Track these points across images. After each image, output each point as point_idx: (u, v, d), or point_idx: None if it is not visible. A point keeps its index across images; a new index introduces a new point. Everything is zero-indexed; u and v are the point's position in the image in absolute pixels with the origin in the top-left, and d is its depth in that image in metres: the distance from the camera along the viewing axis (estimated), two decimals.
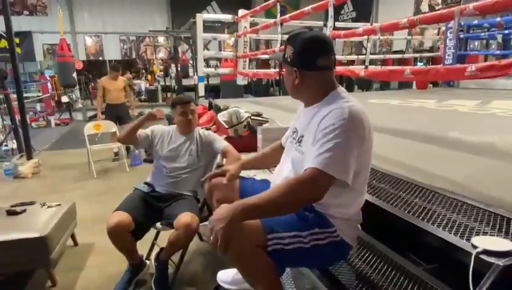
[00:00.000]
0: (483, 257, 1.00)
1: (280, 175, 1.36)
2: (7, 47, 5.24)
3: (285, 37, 6.27)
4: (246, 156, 2.44)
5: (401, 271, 1.32)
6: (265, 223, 1.11)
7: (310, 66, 1.23)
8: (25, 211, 2.37)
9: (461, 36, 6.54)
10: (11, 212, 2.33)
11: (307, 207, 1.20)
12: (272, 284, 1.18)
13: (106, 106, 5.35)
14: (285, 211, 1.14)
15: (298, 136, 1.30)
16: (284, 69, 1.35)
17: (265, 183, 1.54)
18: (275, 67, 10.88)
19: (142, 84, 14.22)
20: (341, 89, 1.27)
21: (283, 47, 1.31)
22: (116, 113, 5.30)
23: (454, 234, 1.17)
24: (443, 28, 6.90)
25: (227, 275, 1.59)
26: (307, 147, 1.22)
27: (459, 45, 6.47)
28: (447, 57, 6.18)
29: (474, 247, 1.04)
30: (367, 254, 1.46)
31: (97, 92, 5.40)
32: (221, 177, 1.56)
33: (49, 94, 10.85)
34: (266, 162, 1.69)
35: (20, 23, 11.96)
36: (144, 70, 16.58)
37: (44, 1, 13.20)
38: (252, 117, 2.98)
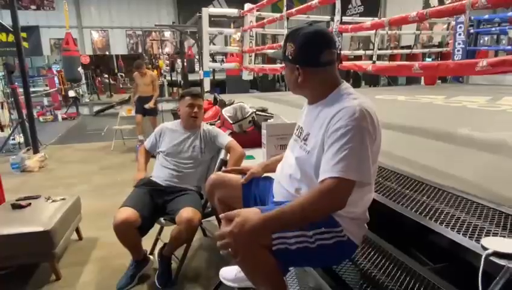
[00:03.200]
0: (493, 258, 0.96)
1: (283, 173, 1.33)
2: (14, 41, 5.26)
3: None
4: (250, 152, 2.42)
5: (407, 271, 1.29)
6: None
7: (313, 63, 1.19)
8: (29, 204, 2.38)
9: (471, 31, 6.41)
10: (16, 206, 2.34)
11: None
12: (276, 284, 1.16)
13: (137, 98, 5.85)
14: (309, 223, 1.12)
15: (303, 134, 1.26)
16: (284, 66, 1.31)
17: (268, 181, 1.51)
18: (280, 63, 10.82)
19: None
20: (346, 85, 1.24)
21: (283, 44, 1.26)
22: (143, 104, 5.75)
23: (463, 234, 1.13)
24: (453, 23, 6.77)
25: (230, 272, 1.57)
26: (312, 145, 1.19)
27: (469, 40, 6.34)
28: (456, 52, 6.08)
29: (484, 248, 1.00)
30: (372, 253, 1.43)
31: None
32: (233, 175, 1.55)
33: (56, 89, 10.92)
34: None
35: (27, 17, 12.02)
36: (150, 65, 16.61)
37: None
38: (256, 112, 2.95)
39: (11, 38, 7.98)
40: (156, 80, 5.91)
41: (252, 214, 1.06)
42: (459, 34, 6.05)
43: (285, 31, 4.52)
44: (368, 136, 1.09)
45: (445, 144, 2.27)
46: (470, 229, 1.16)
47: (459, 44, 6.08)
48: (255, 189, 1.50)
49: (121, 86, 14.69)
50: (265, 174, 1.60)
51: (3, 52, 9.70)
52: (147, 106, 5.63)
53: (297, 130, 1.33)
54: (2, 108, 5.89)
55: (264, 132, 2.18)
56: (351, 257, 1.33)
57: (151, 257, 2.25)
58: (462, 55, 5.91)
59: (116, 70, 15.76)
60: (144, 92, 5.75)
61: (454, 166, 1.82)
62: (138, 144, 5.54)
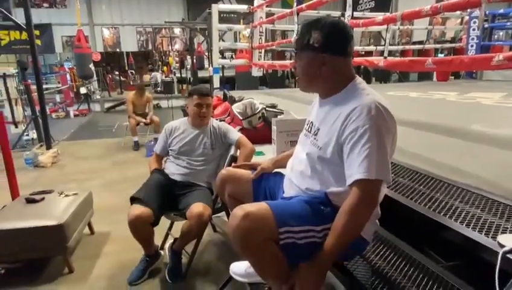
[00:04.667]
0: (510, 256, 0.94)
1: (294, 169, 1.31)
2: (28, 39, 5.34)
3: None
4: (259, 148, 2.41)
5: (420, 268, 1.27)
6: (278, 216, 1.08)
7: (341, 52, 1.18)
8: (43, 199, 2.42)
9: (486, 26, 6.27)
10: (30, 200, 2.38)
11: (323, 201, 1.16)
12: (284, 278, 1.15)
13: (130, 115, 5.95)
14: (358, 232, 1.13)
15: (314, 129, 1.25)
16: (295, 60, 1.27)
17: (278, 176, 1.51)
18: (290, 59, 10.76)
19: (158, 76, 14.32)
20: (359, 80, 1.22)
21: (300, 33, 1.23)
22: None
23: (479, 231, 1.11)
24: (466, 18, 6.63)
25: (240, 268, 1.57)
26: (324, 140, 1.17)
27: (483, 35, 6.21)
28: (470, 48, 5.95)
29: (501, 246, 0.98)
30: (384, 250, 1.41)
31: (127, 105, 6.08)
32: (235, 170, 1.54)
33: (68, 85, 11.06)
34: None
35: (40, 15, 12.19)
36: (160, 62, 16.71)
37: None
38: (266, 109, 2.94)
39: (24, 36, 8.09)
40: (152, 100, 6.09)
41: (311, 277, 1.07)
42: (473, 29, 5.93)
43: (295, 27, 4.49)
44: (387, 134, 1.08)
45: (459, 141, 2.23)
46: (486, 227, 1.13)
47: (472, 39, 5.96)
48: (265, 184, 1.49)
49: (131, 82, 14.81)
50: (275, 170, 1.59)
51: (17, 49, 9.84)
52: (143, 121, 5.74)
53: (307, 125, 1.32)
54: (16, 105, 5.98)
55: (274, 128, 2.17)
56: (362, 253, 1.32)
57: (161, 251, 2.27)
58: (476, 50, 5.79)
59: (126, 68, 15.91)
60: (139, 110, 5.86)
61: (468, 163, 1.79)
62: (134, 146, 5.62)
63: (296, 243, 1.09)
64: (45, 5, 13.36)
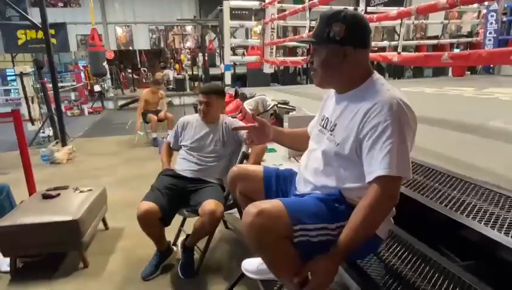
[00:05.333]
0: None
1: (308, 167, 1.29)
2: (43, 38, 5.44)
3: (314, 23, 6.09)
4: (271, 145, 2.40)
5: (435, 267, 1.25)
6: (292, 213, 1.07)
7: (364, 43, 1.16)
8: (59, 195, 2.47)
9: (504, 19, 6.08)
10: (46, 196, 2.43)
11: (338, 198, 1.14)
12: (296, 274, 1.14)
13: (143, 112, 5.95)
14: (375, 230, 1.11)
15: (330, 125, 1.22)
16: (311, 54, 1.24)
17: (290, 173, 1.49)
18: (302, 55, 10.67)
19: (171, 74, 14.43)
20: (378, 75, 1.20)
21: (319, 26, 1.18)
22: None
23: (498, 230, 1.08)
24: (484, 11, 6.46)
25: (252, 264, 1.57)
26: (342, 136, 1.15)
27: (502, 29, 6.03)
28: (487, 42, 5.80)
29: None
30: (398, 248, 1.39)
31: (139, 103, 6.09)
32: (246, 167, 1.54)
33: (82, 83, 11.25)
34: (293, 141, 1.57)
35: (55, 14, 12.38)
36: (171, 60, 16.82)
37: None
38: (278, 105, 2.93)
39: (40, 35, 8.25)
40: (164, 97, 6.08)
41: (323, 265, 1.05)
42: (491, 23, 5.77)
43: (307, 22, 4.45)
44: (408, 130, 1.06)
45: (477, 137, 2.18)
46: (506, 225, 1.10)
47: (490, 33, 5.80)
48: (277, 182, 1.48)
49: (144, 80, 14.97)
50: (287, 167, 1.58)
51: (33, 48, 10.05)
52: (155, 118, 5.69)
53: (322, 120, 1.29)
54: (32, 102, 6.12)
55: (286, 124, 2.16)
56: (376, 251, 1.30)
57: (174, 247, 2.29)
58: (493, 44, 5.64)
59: (139, 65, 16.07)
60: (152, 108, 5.87)
61: (486, 159, 1.74)
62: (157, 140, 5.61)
63: (310, 240, 1.08)
64: (60, 4, 13.58)
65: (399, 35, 5.38)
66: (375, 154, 1.04)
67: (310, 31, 4.38)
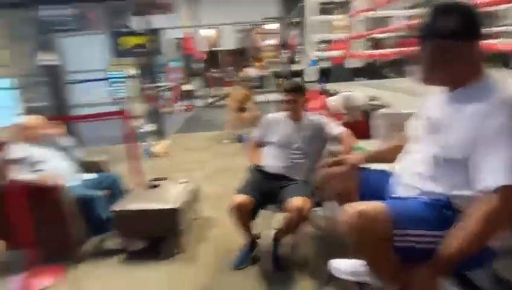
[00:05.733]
0: None
1: (410, 171, 1.21)
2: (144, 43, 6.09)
3: (410, 12, 5.63)
4: (359, 143, 2.32)
5: None
6: (395, 217, 1.02)
7: (477, 38, 1.07)
8: (161, 185, 2.76)
9: None
10: (151, 186, 2.74)
11: (446, 204, 1.06)
12: (395, 279, 1.09)
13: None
14: (486, 242, 1.03)
15: (437, 127, 1.13)
16: (418, 49, 1.14)
17: (384, 174, 1.43)
18: (390, 48, 9.96)
19: (254, 71, 14.84)
20: (490, 72, 1.08)
21: (428, 20, 1.10)
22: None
23: None
24: None
25: (343, 265, 1.54)
26: (454, 139, 1.06)
27: None
28: None
29: None
30: None
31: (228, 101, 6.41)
32: (338, 167, 1.51)
33: (176, 83, 12.28)
34: (391, 156, 1.50)
35: (151, 21, 13.70)
36: (253, 58, 17.28)
37: (171, 0, 14.84)
38: (369, 102, 2.81)
39: (141, 40, 9.26)
40: (251, 95, 6.25)
41: (427, 276, 1.00)
42: None
43: (402, 12, 4.15)
44: None
45: None
46: None
47: None
48: (372, 182, 1.43)
49: (228, 79, 15.66)
50: (380, 167, 1.51)
51: (136, 53, 11.30)
52: (244, 116, 5.88)
53: (426, 121, 1.20)
54: (136, 102, 6.91)
55: (378, 122, 2.06)
56: (488, 264, 1.17)
57: (258, 241, 2.37)
58: None
59: (224, 65, 16.87)
60: (239, 106, 6.05)
61: None
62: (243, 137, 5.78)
63: (412, 247, 1.03)
64: (156, 11, 14.99)
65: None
66: (492, 160, 0.94)
67: (408, 20, 4.06)
